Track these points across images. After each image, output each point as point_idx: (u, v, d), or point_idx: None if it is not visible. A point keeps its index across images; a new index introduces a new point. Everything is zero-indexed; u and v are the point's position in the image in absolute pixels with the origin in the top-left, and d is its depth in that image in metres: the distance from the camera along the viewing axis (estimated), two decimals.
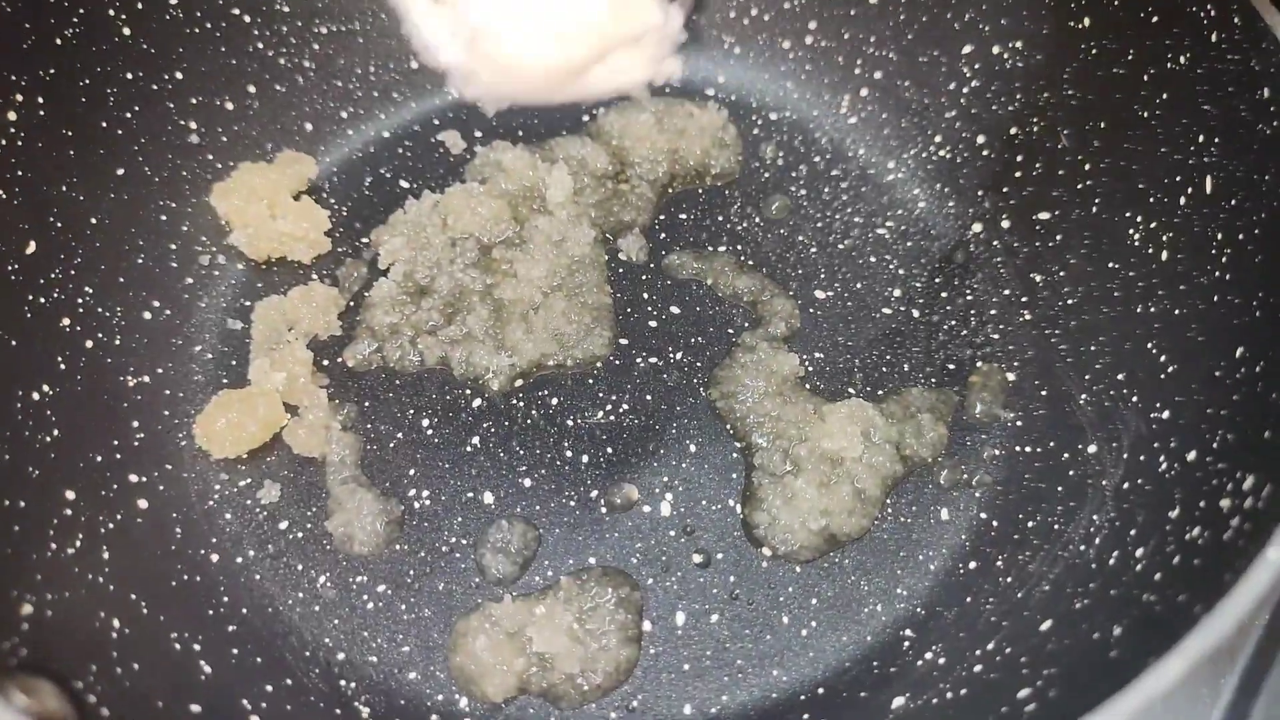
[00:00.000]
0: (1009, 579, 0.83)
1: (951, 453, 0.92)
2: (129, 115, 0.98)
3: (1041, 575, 0.81)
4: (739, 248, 1.04)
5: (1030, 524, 0.85)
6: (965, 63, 1.05)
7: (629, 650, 0.82)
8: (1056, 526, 0.83)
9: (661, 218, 1.05)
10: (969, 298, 1.01)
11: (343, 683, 0.82)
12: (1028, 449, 0.91)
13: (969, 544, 0.87)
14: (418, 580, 0.86)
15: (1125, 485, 0.80)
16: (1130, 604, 0.70)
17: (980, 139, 1.05)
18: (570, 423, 0.94)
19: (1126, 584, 0.73)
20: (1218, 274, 0.81)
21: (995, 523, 0.88)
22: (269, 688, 0.78)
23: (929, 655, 0.80)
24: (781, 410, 0.92)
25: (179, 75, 1.01)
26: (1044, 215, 0.99)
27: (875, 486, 0.89)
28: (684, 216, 1.06)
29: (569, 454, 0.92)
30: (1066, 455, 0.87)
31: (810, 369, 0.96)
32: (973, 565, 0.86)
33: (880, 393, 0.94)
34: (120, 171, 0.97)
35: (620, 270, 1.02)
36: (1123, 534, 0.77)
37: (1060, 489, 0.85)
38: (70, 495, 0.81)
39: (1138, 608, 0.69)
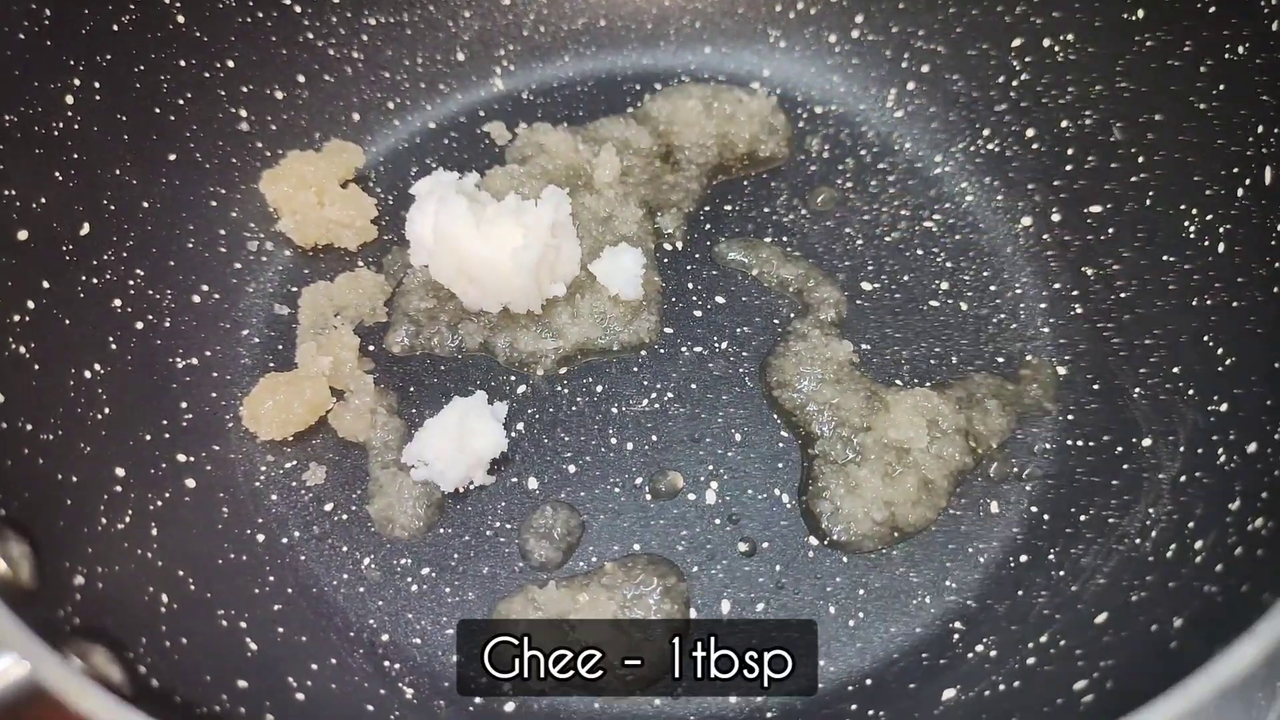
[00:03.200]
0: (1061, 572, 0.81)
1: (1002, 445, 0.90)
2: (181, 102, 0.99)
3: (1095, 568, 0.79)
4: (785, 239, 1.03)
5: (1083, 517, 0.84)
6: (1015, 56, 1.04)
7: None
8: (1111, 520, 0.82)
9: (707, 208, 1.04)
10: (1018, 291, 0.99)
11: (387, 664, 0.81)
12: (1080, 442, 0.89)
13: (1020, 537, 0.86)
14: (461, 564, 0.86)
15: (1183, 478, 0.79)
16: (1191, 596, 0.69)
17: (1030, 132, 1.03)
18: (615, 410, 0.93)
19: (1186, 576, 0.71)
20: (1277, 265, 0.80)
21: (1046, 516, 0.86)
22: (314, 666, 0.78)
23: (980, 648, 0.79)
24: (841, 398, 0.91)
25: (230, 64, 1.02)
26: (1096, 208, 0.98)
27: (942, 478, 0.87)
28: (729, 208, 1.05)
29: (613, 441, 0.92)
30: (1120, 449, 0.86)
31: (858, 360, 0.95)
32: (1024, 559, 0.84)
33: (928, 385, 0.93)
34: (172, 157, 0.98)
35: (665, 260, 1.01)
36: (1181, 526, 0.76)
37: (1114, 482, 0.84)
38: (120, 472, 0.81)
39: (1199, 599, 0.68)
